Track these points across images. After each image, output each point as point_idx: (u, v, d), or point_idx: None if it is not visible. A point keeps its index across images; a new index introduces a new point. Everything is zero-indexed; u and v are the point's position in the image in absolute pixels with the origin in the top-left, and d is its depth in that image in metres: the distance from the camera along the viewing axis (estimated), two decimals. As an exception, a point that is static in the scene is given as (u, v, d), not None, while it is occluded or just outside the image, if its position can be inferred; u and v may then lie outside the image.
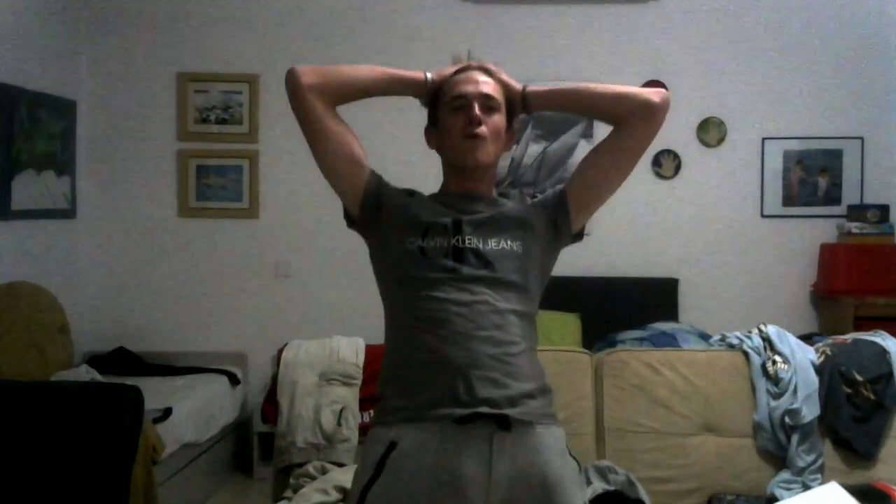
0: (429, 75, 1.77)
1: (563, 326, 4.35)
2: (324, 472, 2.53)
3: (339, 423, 2.74)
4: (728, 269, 4.84)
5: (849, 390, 2.51)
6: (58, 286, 4.27)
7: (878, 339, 2.64)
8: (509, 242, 1.69)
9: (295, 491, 2.44)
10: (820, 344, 2.68)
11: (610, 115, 1.77)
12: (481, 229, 1.69)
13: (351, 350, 2.92)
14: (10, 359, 3.66)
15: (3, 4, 4.09)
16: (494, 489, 1.54)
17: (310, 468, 2.56)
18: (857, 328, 3.92)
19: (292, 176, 4.71)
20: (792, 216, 4.85)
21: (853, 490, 2.23)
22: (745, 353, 2.60)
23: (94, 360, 4.42)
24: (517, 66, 4.22)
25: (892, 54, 4.79)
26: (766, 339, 2.63)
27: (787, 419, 2.45)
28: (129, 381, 3.44)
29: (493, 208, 1.74)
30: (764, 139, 4.84)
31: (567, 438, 1.69)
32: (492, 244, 1.68)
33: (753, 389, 2.53)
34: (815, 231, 4.81)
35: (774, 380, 2.52)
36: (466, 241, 1.67)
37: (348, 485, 1.91)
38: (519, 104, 1.79)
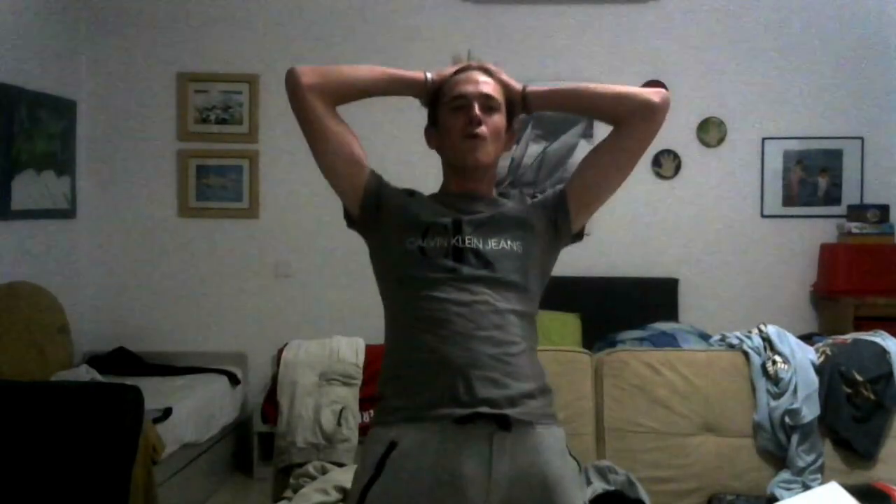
0: (429, 75, 1.77)
1: (563, 326, 4.35)
2: (324, 472, 2.53)
3: (339, 423, 2.74)
4: (728, 269, 4.84)
5: (849, 390, 2.51)
6: (58, 286, 4.27)
7: (878, 339, 2.64)
8: (509, 242, 1.69)
9: (295, 491, 2.44)
10: (820, 344, 2.68)
11: (610, 115, 1.77)
12: (481, 229, 1.69)
13: (351, 350, 2.92)
14: (10, 359, 3.66)
15: (3, 4, 4.09)
16: (494, 489, 1.54)
17: (310, 468, 2.56)
18: (857, 328, 3.92)
19: (292, 176, 4.72)
20: (792, 216, 4.85)
21: (853, 490, 2.23)
22: (745, 353, 2.60)
23: (94, 360, 4.42)
24: (517, 66, 4.22)
25: (892, 54, 4.79)
26: (766, 339, 2.63)
27: (787, 419, 2.45)
28: (129, 381, 3.44)
29: (493, 208, 1.74)
30: (764, 139, 4.85)
31: (567, 438, 1.69)
32: (492, 244, 1.68)
33: (753, 389, 2.53)
34: (815, 231, 4.81)
35: (774, 380, 2.52)
36: (466, 241, 1.67)
37: (348, 485, 1.91)
38: (519, 104, 1.79)
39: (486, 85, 1.73)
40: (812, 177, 4.85)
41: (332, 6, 4.83)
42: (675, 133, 4.72)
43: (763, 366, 2.55)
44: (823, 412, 2.48)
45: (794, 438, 2.44)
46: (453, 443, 1.54)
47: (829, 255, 4.71)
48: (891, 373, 2.53)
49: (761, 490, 2.41)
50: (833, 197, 4.84)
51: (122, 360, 4.55)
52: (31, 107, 4.24)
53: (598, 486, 2.30)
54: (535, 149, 4.85)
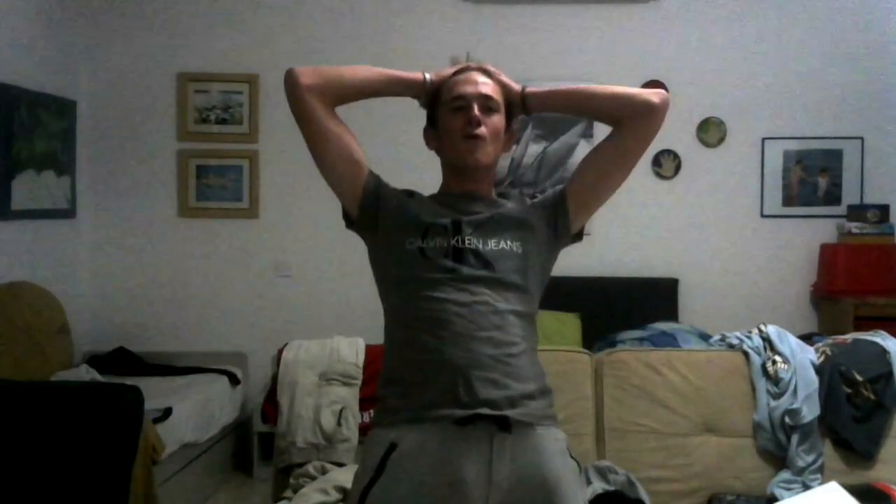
0: (427, 76, 1.77)
1: (563, 326, 4.35)
2: (324, 472, 2.53)
3: (339, 423, 2.74)
4: (728, 269, 4.84)
5: (849, 390, 2.51)
6: (58, 286, 4.27)
7: (878, 339, 2.64)
8: (509, 243, 1.69)
9: (295, 491, 2.44)
10: (820, 344, 2.68)
11: (609, 115, 1.77)
12: (481, 230, 1.69)
13: (351, 350, 2.92)
14: (10, 359, 3.66)
15: (4, 4, 4.09)
16: (495, 491, 1.54)
17: (310, 468, 2.56)
18: (857, 328, 3.91)
19: (292, 176, 4.72)
20: (792, 216, 4.85)
21: (853, 490, 2.23)
22: (745, 353, 2.60)
23: (94, 360, 4.42)
24: (517, 66, 4.24)
25: (892, 54, 4.79)
26: (766, 339, 2.63)
27: (787, 419, 2.45)
28: (129, 381, 3.44)
29: (493, 209, 1.74)
30: (764, 139, 4.85)
31: (567, 439, 1.69)
32: (491, 244, 1.68)
33: (753, 389, 2.53)
34: (815, 231, 4.81)
35: (774, 380, 2.52)
36: (466, 242, 1.67)
37: (348, 485, 1.91)
38: (518, 105, 1.79)
39: (486, 86, 1.73)
40: (812, 177, 4.86)
41: (331, 6, 4.84)
42: (675, 133, 4.72)
43: (763, 366, 2.55)
44: (823, 412, 2.48)
45: (794, 438, 2.44)
46: (453, 444, 1.54)
47: (829, 255, 4.71)
48: (891, 373, 2.53)
49: (761, 490, 2.41)
50: (833, 197, 4.84)
51: (122, 360, 4.55)
52: (31, 107, 4.24)
53: (598, 486, 2.30)
54: (535, 149, 4.85)
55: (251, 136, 4.85)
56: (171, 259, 4.88)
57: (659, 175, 4.86)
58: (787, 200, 4.86)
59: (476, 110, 1.69)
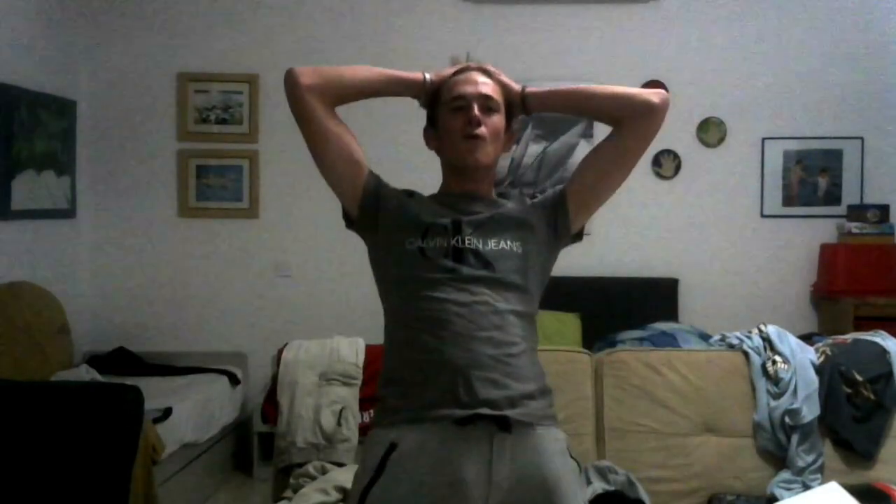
0: (427, 76, 1.77)
1: (563, 326, 4.35)
2: (324, 472, 2.53)
3: (339, 423, 2.74)
4: (728, 269, 4.84)
5: (849, 390, 2.51)
6: (58, 286, 4.27)
7: (878, 339, 2.64)
8: (509, 243, 1.69)
9: (295, 491, 2.44)
10: (820, 344, 2.68)
11: (609, 115, 1.77)
12: (481, 230, 1.69)
13: (351, 350, 2.92)
14: (10, 359, 3.66)
15: (4, 4, 4.09)
16: (495, 491, 1.54)
17: (310, 468, 2.56)
18: (857, 328, 3.91)
19: (292, 176, 4.72)
20: (792, 216, 4.85)
21: (853, 490, 2.23)
22: (745, 353, 2.60)
23: (94, 360, 4.42)
24: (517, 66, 4.24)
25: (892, 54, 4.79)
26: (766, 339, 2.63)
27: (787, 419, 2.45)
28: (129, 381, 3.44)
29: (493, 209, 1.74)
30: (764, 139, 4.85)
31: (567, 439, 1.69)
32: (491, 244, 1.68)
33: (753, 389, 2.53)
34: (815, 231, 4.81)
35: (774, 380, 2.52)
36: (466, 242, 1.67)
37: (348, 485, 1.91)
38: (518, 105, 1.79)
39: (486, 86, 1.73)
40: (812, 177, 4.86)
41: (331, 6, 4.84)
42: (675, 133, 4.72)
43: (763, 366, 2.55)
44: (823, 412, 2.47)
45: (794, 438, 2.44)
46: (453, 444, 1.54)
47: (829, 255, 4.71)
48: (891, 373, 2.53)
49: (761, 490, 2.41)
50: (833, 197, 4.84)
51: (122, 360, 4.55)
52: (31, 107, 4.24)
53: (598, 486, 2.30)
54: (535, 149, 4.85)
55: (251, 136, 4.85)
56: (171, 259, 4.88)
57: (659, 175, 4.86)
58: (787, 200, 4.86)
59: (476, 110, 1.69)
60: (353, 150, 1.74)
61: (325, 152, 1.72)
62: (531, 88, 1.79)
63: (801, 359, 2.56)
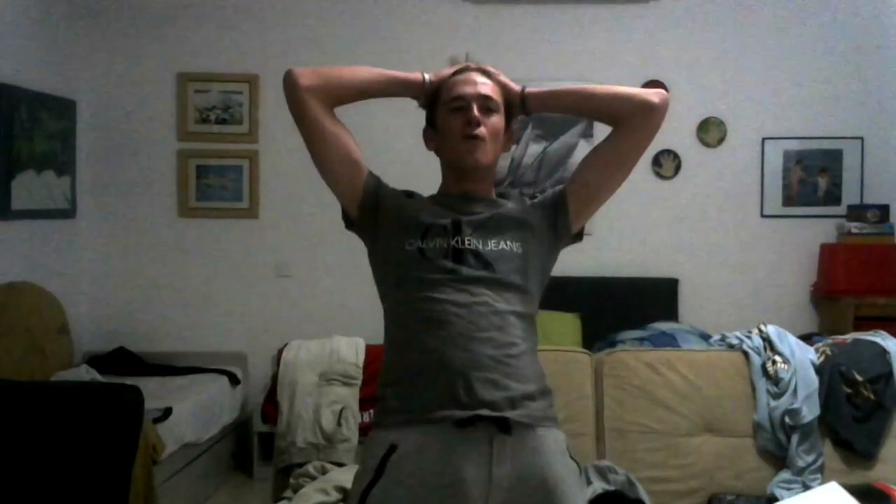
0: (426, 76, 1.76)
1: (563, 326, 4.35)
2: (324, 472, 2.53)
3: (339, 423, 2.74)
4: (728, 269, 4.84)
5: (849, 390, 2.51)
6: (58, 286, 4.27)
7: (878, 339, 2.64)
8: (509, 243, 1.69)
9: (295, 491, 2.44)
10: (820, 344, 2.68)
11: (609, 115, 1.77)
12: (481, 230, 1.69)
13: (351, 350, 2.92)
14: (10, 359, 3.66)
15: (4, 5, 4.09)
16: (495, 492, 1.53)
17: (310, 468, 2.56)
18: (857, 328, 3.92)
19: (292, 176, 4.72)
20: (792, 216, 4.85)
21: (853, 490, 2.23)
22: (745, 353, 2.60)
23: (94, 360, 4.42)
24: (517, 66, 4.24)
25: (892, 54, 4.79)
26: (766, 339, 2.63)
27: (787, 419, 2.45)
28: (129, 381, 3.44)
29: (493, 209, 1.74)
30: (764, 139, 4.85)
31: (567, 439, 1.69)
32: (491, 245, 1.68)
33: (753, 389, 2.53)
34: (815, 231, 4.81)
35: (774, 380, 2.52)
36: (466, 242, 1.66)
37: (348, 485, 1.91)
38: (518, 105, 1.79)
39: (485, 86, 1.73)
40: (812, 177, 4.86)
41: (331, 6, 4.84)
42: (675, 133, 4.72)
43: (763, 366, 2.55)
44: (823, 412, 2.47)
45: (794, 438, 2.44)
46: (454, 446, 1.53)
47: (829, 255, 4.71)
48: (891, 373, 2.53)
49: (761, 490, 2.41)
50: (833, 197, 4.84)
51: (122, 360, 4.56)
52: (31, 107, 4.24)
53: (598, 486, 2.30)
54: (535, 149, 4.85)
55: (251, 136, 4.86)
56: (171, 259, 4.88)
57: (659, 175, 4.86)
58: (787, 200, 4.86)
59: (475, 111, 1.69)
60: (352, 151, 1.74)
61: (324, 153, 1.72)
62: (531, 89, 1.79)
63: (801, 359, 2.56)
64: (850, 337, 2.73)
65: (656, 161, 4.83)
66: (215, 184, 4.88)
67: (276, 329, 4.60)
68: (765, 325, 2.69)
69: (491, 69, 1.77)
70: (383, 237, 1.73)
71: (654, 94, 1.72)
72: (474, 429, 1.53)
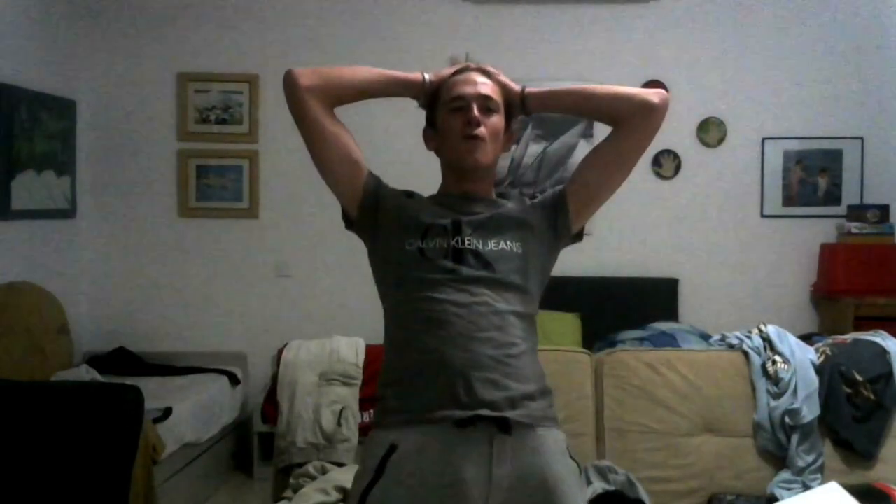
0: (426, 76, 1.76)
1: (563, 326, 4.35)
2: (324, 472, 2.53)
3: (339, 423, 2.74)
4: (728, 269, 4.84)
5: (849, 390, 2.51)
6: (58, 286, 4.27)
7: (878, 339, 2.64)
8: (509, 243, 1.69)
9: (295, 491, 2.44)
10: (820, 344, 2.68)
11: (609, 115, 1.77)
12: (481, 230, 1.69)
13: (351, 350, 2.92)
14: (10, 359, 3.66)
15: (4, 5, 4.09)
16: (495, 492, 1.53)
17: (310, 468, 2.56)
18: (857, 328, 3.92)
19: (292, 176, 4.72)
20: (792, 216, 4.85)
21: (853, 490, 2.23)
22: (745, 353, 2.60)
23: (94, 360, 4.42)
24: (517, 65, 4.24)
25: (892, 54, 4.79)
26: (766, 339, 2.63)
27: (787, 419, 2.45)
28: (129, 381, 3.44)
29: (493, 209, 1.74)
30: (764, 139, 4.85)
31: (567, 439, 1.69)
32: (491, 245, 1.68)
33: (753, 389, 2.53)
34: (815, 231, 4.81)
35: (774, 380, 2.52)
36: (466, 242, 1.66)
37: (348, 485, 1.91)
38: (518, 105, 1.79)
39: (485, 86, 1.73)
40: (812, 177, 4.86)
41: (331, 6, 4.84)
42: (675, 133, 4.72)
43: (763, 366, 2.55)
44: (823, 412, 2.47)
45: (794, 438, 2.44)
46: (453, 446, 1.53)
47: (829, 255, 4.71)
48: (891, 373, 2.53)
49: (761, 490, 2.41)
50: (833, 197, 4.84)
51: (122, 360, 4.56)
52: (31, 107, 4.25)
53: (598, 486, 2.30)
54: (535, 149, 4.85)
55: (251, 136, 4.86)
56: (171, 259, 4.88)
57: (659, 175, 4.86)
58: (787, 200, 4.86)
59: (475, 111, 1.69)
60: (352, 151, 1.74)
61: (324, 153, 1.72)
62: (531, 89, 1.79)
63: (801, 359, 2.56)
64: (850, 337, 2.73)
65: (656, 161, 4.83)
66: (215, 184, 4.88)
67: (276, 329, 4.60)
68: (765, 325, 2.69)
69: (491, 69, 1.77)
70: (383, 237, 1.73)
71: (654, 94, 1.72)
72: (474, 429, 1.53)
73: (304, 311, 4.82)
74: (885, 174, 4.80)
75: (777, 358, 2.55)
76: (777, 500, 2.33)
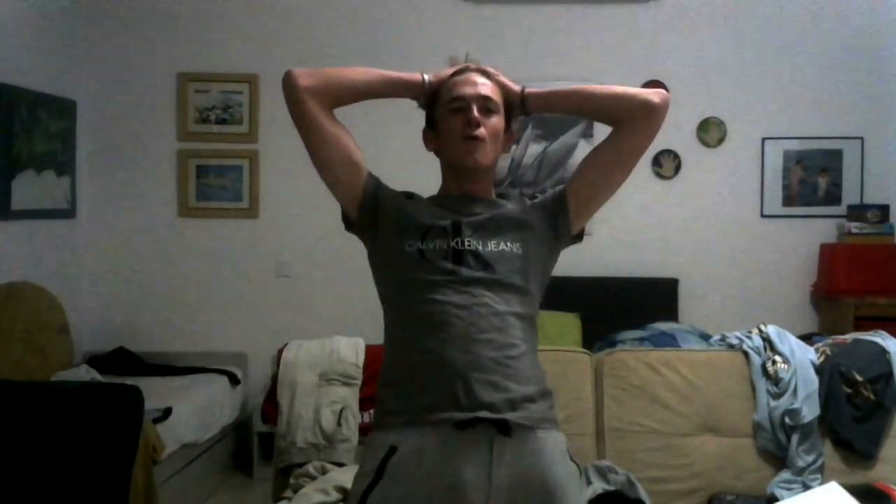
0: (426, 77, 1.76)
1: (563, 326, 4.35)
2: (324, 472, 2.53)
3: (339, 423, 2.74)
4: (728, 269, 4.84)
5: (849, 390, 2.51)
6: (58, 286, 4.27)
7: (878, 339, 2.64)
8: (509, 244, 1.69)
9: (295, 491, 2.44)
10: (820, 344, 2.68)
11: (609, 116, 1.76)
12: (481, 231, 1.68)
13: (351, 350, 2.92)
14: (10, 359, 3.66)
15: (4, 4, 4.09)
16: (495, 494, 1.53)
17: (310, 468, 2.56)
18: (857, 328, 3.92)
19: (292, 176, 4.71)
20: (792, 216, 4.85)
21: (853, 490, 2.23)
22: (745, 353, 2.60)
23: (94, 360, 4.42)
24: (517, 65, 4.23)
25: (891, 54, 4.79)
26: (766, 339, 2.63)
27: (787, 419, 2.45)
28: (129, 381, 3.44)
29: (493, 210, 1.73)
30: (764, 139, 4.85)
31: (567, 439, 1.68)
32: (491, 246, 1.67)
33: (753, 389, 2.53)
34: (815, 231, 4.81)
35: (774, 380, 2.52)
36: (466, 243, 1.66)
37: (348, 485, 1.91)
38: (518, 106, 1.79)
39: (485, 87, 1.72)
40: (812, 177, 4.86)
41: (331, 6, 4.84)
42: (675, 133, 4.72)
43: (763, 366, 2.55)
44: (823, 412, 2.48)
45: (794, 438, 2.44)
46: (453, 448, 1.53)
47: (829, 255, 4.71)
48: (891, 373, 2.54)
49: (761, 490, 2.41)
50: (833, 197, 4.84)
51: (122, 360, 4.55)
52: (31, 107, 4.24)
53: (598, 486, 2.30)
54: (535, 149, 4.85)
55: (251, 136, 4.86)
56: (171, 259, 4.88)
57: (659, 175, 4.86)
58: (787, 200, 4.86)
59: (475, 111, 1.69)
60: (352, 152, 1.73)
61: (324, 154, 1.72)
62: (531, 89, 1.79)
63: (801, 359, 2.56)
64: (850, 337, 2.73)
65: (656, 161, 4.83)
66: (215, 184, 4.88)
67: (276, 329, 4.59)
68: (765, 325, 2.69)
69: (490, 69, 1.77)
70: (383, 238, 1.73)
71: (654, 94, 1.72)
72: (474, 431, 1.53)
73: (304, 311, 4.82)
74: (885, 174, 4.80)
75: (777, 358, 2.55)
76: (777, 500, 2.33)
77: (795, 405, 2.45)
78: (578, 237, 1.81)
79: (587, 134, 4.77)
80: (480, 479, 1.52)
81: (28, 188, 4.21)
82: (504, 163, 4.73)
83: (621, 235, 4.80)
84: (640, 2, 4.80)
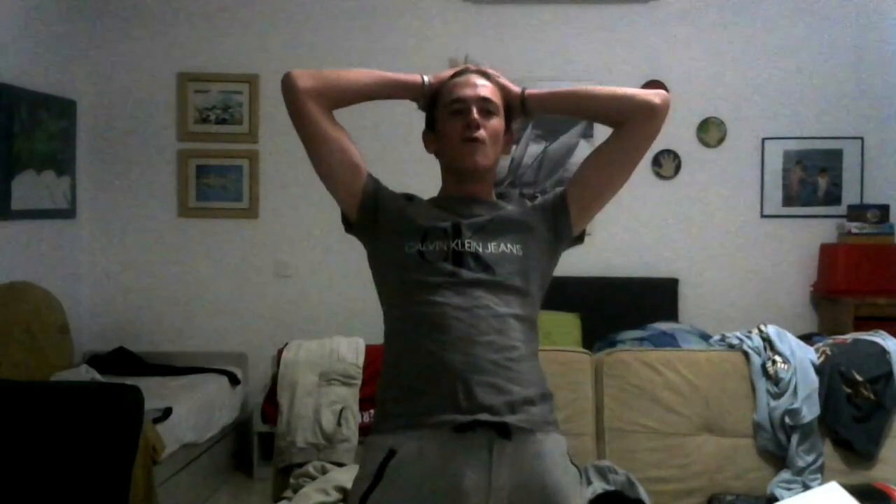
0: (426, 79, 1.76)
1: (563, 326, 4.35)
2: (324, 472, 2.53)
3: (339, 423, 2.74)
4: (728, 269, 4.84)
5: (849, 390, 2.51)
6: (58, 286, 4.27)
7: (878, 339, 2.64)
8: (509, 245, 1.68)
9: (295, 491, 2.44)
10: (820, 344, 2.68)
11: (610, 117, 1.76)
12: (481, 233, 1.68)
13: (351, 350, 2.91)
14: (10, 359, 3.66)
15: (4, 5, 4.09)
16: (494, 497, 1.52)
17: (310, 468, 2.56)
18: (857, 328, 3.91)
19: (292, 176, 4.72)
20: (792, 216, 4.85)
21: (853, 490, 2.23)
22: (745, 353, 2.60)
23: (94, 360, 4.42)
24: (517, 66, 4.25)
25: (891, 55, 4.79)
26: (766, 339, 2.63)
27: (787, 419, 2.45)
28: (129, 381, 3.44)
29: (493, 211, 1.73)
30: (764, 139, 4.84)
31: (567, 440, 1.68)
32: (491, 247, 1.67)
33: (753, 389, 2.53)
34: (815, 231, 4.81)
35: (774, 380, 2.52)
36: (466, 245, 1.66)
37: (348, 485, 1.91)
38: (518, 107, 1.79)
39: (485, 88, 1.72)
40: (812, 177, 4.86)
41: (332, 7, 4.84)
42: (675, 133, 4.72)
43: (763, 366, 2.55)
44: (823, 412, 2.47)
45: (794, 438, 2.44)
46: (453, 451, 1.53)
47: (829, 255, 4.71)
48: (891, 373, 2.53)
49: (761, 490, 2.41)
50: (833, 197, 4.84)
51: (122, 360, 4.55)
52: (31, 107, 4.24)
53: (598, 486, 2.30)
54: (535, 149, 4.85)
55: (251, 136, 4.86)
56: (171, 259, 4.88)
57: (659, 175, 4.86)
58: (787, 200, 4.86)
59: (475, 113, 1.69)
60: (352, 154, 1.73)
61: (323, 156, 1.71)
62: (531, 90, 1.79)
63: (801, 359, 2.56)
64: (850, 337, 2.73)
65: (656, 161, 4.83)
66: (215, 184, 4.88)
67: (276, 329, 4.60)
68: (765, 325, 2.69)
69: (490, 71, 1.77)
70: (383, 240, 1.73)
71: (655, 95, 1.72)
72: (474, 434, 1.53)
73: (304, 311, 4.82)
74: (885, 174, 4.80)
75: (777, 358, 2.55)
76: (777, 500, 2.32)
77: (795, 405, 2.45)
78: (579, 239, 1.81)
79: (587, 134, 4.77)
80: (480, 482, 1.52)
81: (28, 188, 4.21)
82: (504, 163, 4.72)
83: (621, 235, 4.80)
84: (640, 2, 4.80)
